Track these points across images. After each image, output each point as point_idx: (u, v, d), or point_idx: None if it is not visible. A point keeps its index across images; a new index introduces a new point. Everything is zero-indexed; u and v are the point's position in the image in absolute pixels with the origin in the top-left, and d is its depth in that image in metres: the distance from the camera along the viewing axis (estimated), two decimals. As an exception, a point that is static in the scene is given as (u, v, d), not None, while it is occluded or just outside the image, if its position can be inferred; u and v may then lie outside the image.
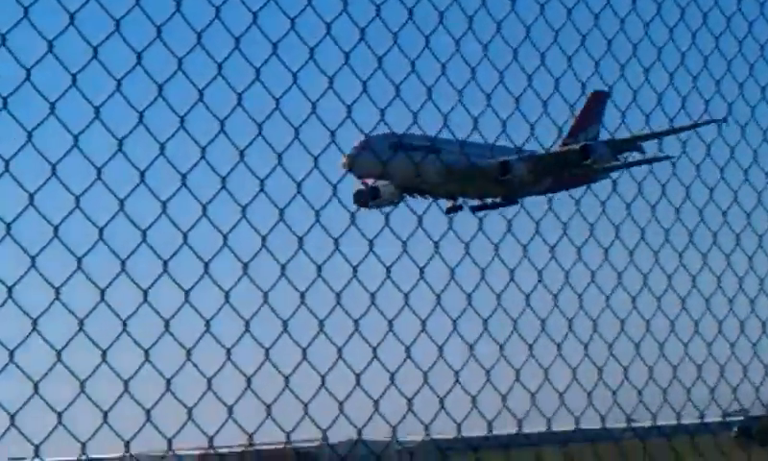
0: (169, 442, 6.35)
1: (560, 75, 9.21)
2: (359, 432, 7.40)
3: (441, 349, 7.81)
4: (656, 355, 9.05)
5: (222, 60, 7.00)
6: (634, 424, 8.91)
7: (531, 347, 8.33)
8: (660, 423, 8.96)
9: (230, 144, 7.02)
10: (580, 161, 36.19)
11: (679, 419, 9.13)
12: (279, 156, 7.27)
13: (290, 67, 7.37)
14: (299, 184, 7.30)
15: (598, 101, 37.91)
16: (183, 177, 6.73)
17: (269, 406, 6.89)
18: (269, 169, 7.16)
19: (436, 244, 8.05)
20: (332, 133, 7.55)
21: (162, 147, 6.70)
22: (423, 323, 7.82)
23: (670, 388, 9.04)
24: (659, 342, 9.12)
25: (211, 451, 6.56)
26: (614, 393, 8.75)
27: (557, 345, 8.53)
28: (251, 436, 6.80)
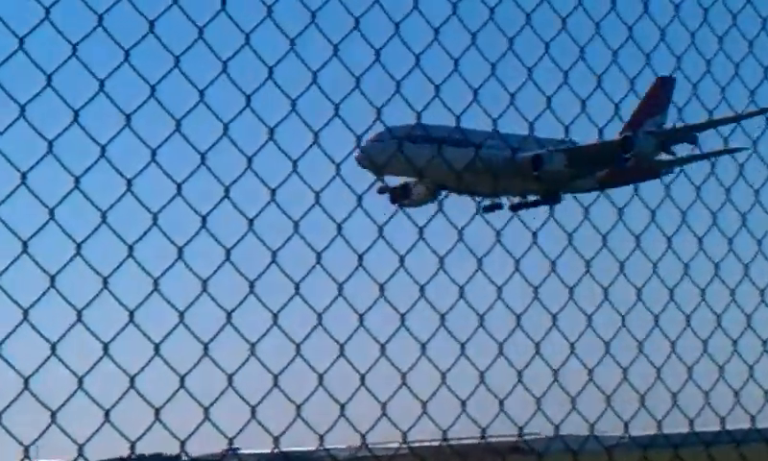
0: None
1: (617, 47, 8.94)
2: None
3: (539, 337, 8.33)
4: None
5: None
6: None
7: (673, 344, 8.92)
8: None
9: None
10: (621, 155, 36.35)
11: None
12: (271, 130, 7.36)
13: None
14: (294, 163, 7.39)
15: (664, 88, 38.13)
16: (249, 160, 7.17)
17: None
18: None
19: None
20: (336, 106, 7.57)
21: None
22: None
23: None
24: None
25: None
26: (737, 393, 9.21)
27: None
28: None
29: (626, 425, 8.69)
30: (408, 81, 7.92)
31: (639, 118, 39.27)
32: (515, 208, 40.05)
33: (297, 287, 7.28)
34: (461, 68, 8.20)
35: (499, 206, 37.86)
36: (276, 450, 7.11)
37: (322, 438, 7.28)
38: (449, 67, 8.18)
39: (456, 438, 8.05)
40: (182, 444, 6.78)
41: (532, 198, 41.46)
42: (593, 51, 8.95)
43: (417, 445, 8.01)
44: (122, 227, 6.65)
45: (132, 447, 6.61)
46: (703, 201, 9.32)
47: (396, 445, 7.76)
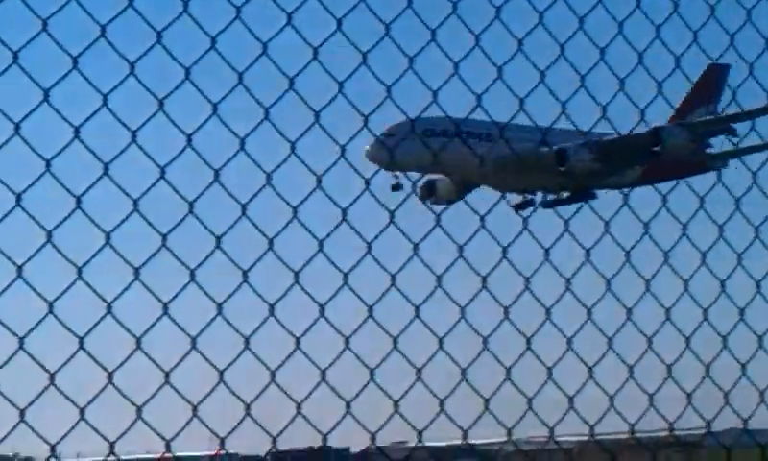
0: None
1: (660, 23, 8.94)
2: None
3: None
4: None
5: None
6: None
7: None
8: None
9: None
10: (650, 148, 36.76)
11: None
12: (266, 110, 7.26)
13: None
14: (292, 144, 7.37)
15: (716, 75, 38.32)
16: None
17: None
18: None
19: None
20: (340, 84, 7.55)
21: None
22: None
23: None
24: None
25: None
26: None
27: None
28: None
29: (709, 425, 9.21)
30: (422, 58, 7.91)
31: (690, 106, 39.44)
32: (547, 206, 40.40)
33: (296, 276, 7.35)
34: (483, 45, 8.16)
35: (531, 203, 38.25)
36: (461, 443, 8.11)
37: (509, 431, 8.24)
38: (470, 43, 8.15)
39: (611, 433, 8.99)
40: (324, 436, 7.50)
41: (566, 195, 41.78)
42: (633, 27, 8.93)
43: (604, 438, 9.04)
44: (99, 213, 6.70)
45: (274, 440, 7.29)
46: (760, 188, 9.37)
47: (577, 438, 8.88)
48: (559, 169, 41.70)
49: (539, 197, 41.33)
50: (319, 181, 7.41)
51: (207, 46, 7.15)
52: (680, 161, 36.03)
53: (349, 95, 7.60)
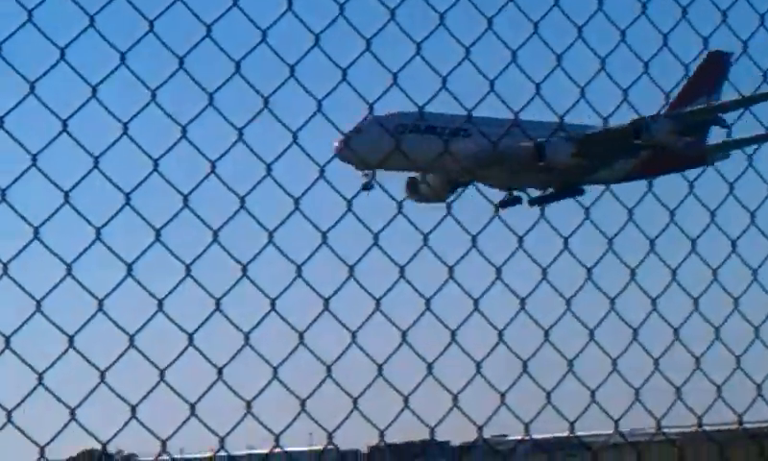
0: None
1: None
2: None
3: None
4: None
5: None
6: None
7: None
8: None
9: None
10: (632, 140, 37.11)
11: None
12: (210, 95, 7.29)
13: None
14: (240, 131, 7.43)
15: (717, 64, 38.36)
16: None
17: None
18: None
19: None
20: (292, 68, 7.55)
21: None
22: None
23: None
24: None
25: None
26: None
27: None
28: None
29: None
30: (383, 37, 7.85)
31: (689, 97, 39.46)
32: (533, 203, 40.83)
33: (244, 270, 7.39)
34: (450, 25, 8.09)
35: (518, 200, 38.59)
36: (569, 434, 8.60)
37: (617, 422, 8.75)
38: (435, 21, 8.06)
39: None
40: (431, 429, 8.02)
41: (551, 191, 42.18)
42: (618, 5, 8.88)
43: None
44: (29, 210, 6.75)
45: (381, 434, 7.81)
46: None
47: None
48: (538, 164, 42.03)
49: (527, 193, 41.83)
50: (269, 170, 7.37)
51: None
52: (678, 154, 36.15)
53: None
